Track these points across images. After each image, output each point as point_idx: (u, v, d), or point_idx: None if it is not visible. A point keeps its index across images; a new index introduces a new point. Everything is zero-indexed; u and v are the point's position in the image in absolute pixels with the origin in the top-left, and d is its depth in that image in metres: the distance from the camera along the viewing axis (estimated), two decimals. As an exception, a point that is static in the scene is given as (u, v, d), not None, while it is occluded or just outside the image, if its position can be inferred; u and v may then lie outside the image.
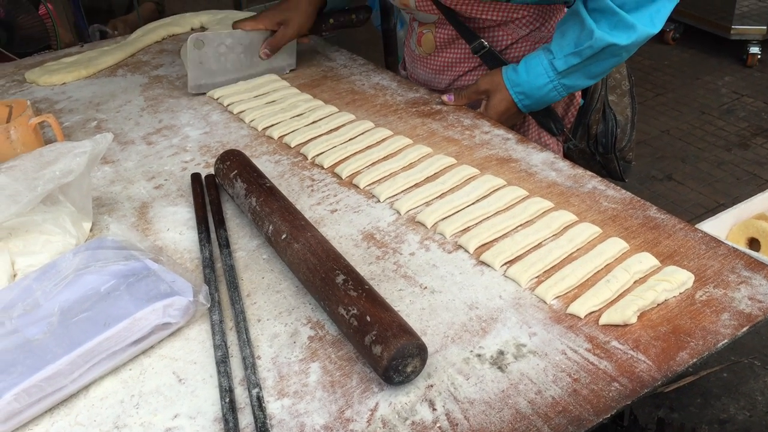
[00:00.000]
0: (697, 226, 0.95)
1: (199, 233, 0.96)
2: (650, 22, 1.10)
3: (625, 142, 1.41)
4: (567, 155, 1.42)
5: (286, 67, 1.49)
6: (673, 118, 3.35)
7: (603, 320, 0.77)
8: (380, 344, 0.69)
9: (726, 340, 0.74)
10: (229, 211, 1.02)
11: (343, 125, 1.23)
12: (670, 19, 3.91)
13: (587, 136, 1.40)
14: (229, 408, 0.70)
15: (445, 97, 1.28)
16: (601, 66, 1.17)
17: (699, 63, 3.85)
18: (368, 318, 0.72)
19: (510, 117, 1.26)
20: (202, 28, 1.77)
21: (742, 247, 1.67)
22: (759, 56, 3.70)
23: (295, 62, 1.50)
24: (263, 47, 1.43)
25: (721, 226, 1.73)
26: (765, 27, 3.63)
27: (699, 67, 3.81)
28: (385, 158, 1.11)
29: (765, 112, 3.34)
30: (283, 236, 0.87)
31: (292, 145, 1.19)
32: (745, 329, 0.75)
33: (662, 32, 3.92)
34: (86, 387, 0.74)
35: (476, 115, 1.24)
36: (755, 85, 3.58)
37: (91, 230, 0.99)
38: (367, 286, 0.76)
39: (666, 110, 3.43)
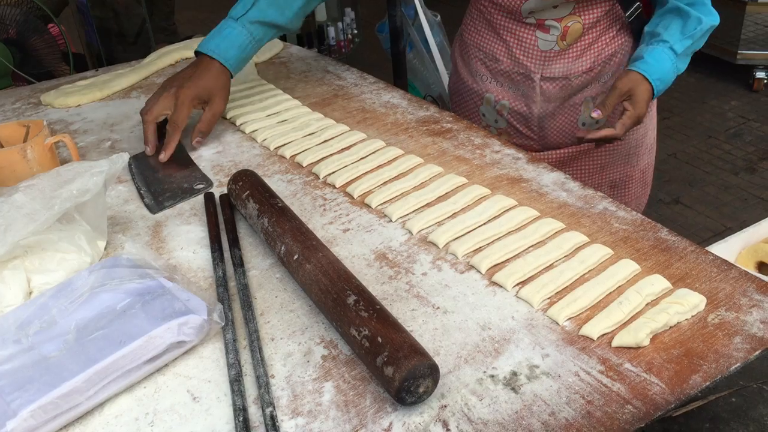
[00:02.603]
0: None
1: (212, 252, 0.96)
2: (712, 12, 1.33)
3: None
4: None
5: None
6: (680, 142, 3.36)
7: (616, 342, 0.77)
8: (392, 365, 0.69)
9: (738, 364, 0.74)
10: (243, 230, 1.03)
11: (355, 144, 1.24)
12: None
13: None
14: (243, 427, 0.70)
15: (594, 114, 1.29)
16: (698, 46, 1.35)
17: (705, 87, 3.87)
18: (379, 339, 0.72)
19: None
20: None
21: (753, 271, 1.67)
22: (765, 81, 3.72)
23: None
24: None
25: (729, 250, 1.72)
26: (771, 52, 3.65)
27: (705, 91, 3.83)
28: (396, 177, 1.12)
29: (772, 137, 3.35)
30: (295, 257, 0.87)
31: (304, 164, 1.20)
32: (757, 353, 0.75)
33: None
34: (101, 404, 0.75)
35: (486, 135, 1.24)
36: (761, 110, 3.59)
37: (105, 249, 1.00)
38: (378, 307, 0.77)
39: (673, 134, 3.44)
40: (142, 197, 1.14)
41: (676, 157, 3.24)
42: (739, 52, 3.71)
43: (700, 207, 2.89)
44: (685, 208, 2.89)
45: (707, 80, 3.93)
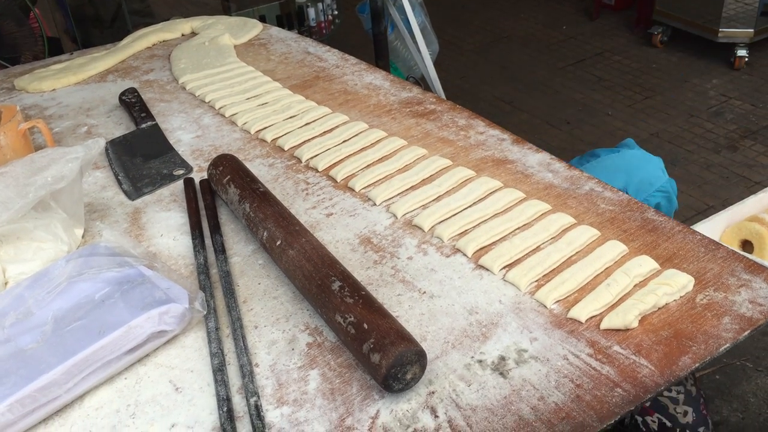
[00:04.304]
0: (693, 228, 0.95)
1: (193, 239, 0.94)
2: None
3: None
4: None
5: None
6: (662, 121, 3.36)
7: (604, 325, 0.76)
8: (378, 352, 0.68)
9: (728, 344, 0.73)
10: (224, 216, 1.01)
11: (337, 127, 1.22)
12: (658, 23, 3.91)
13: None
14: (227, 417, 0.69)
15: None
16: None
17: (687, 66, 3.86)
18: (365, 325, 0.71)
19: None
20: (193, 34, 1.76)
21: (739, 249, 1.67)
22: (746, 59, 3.72)
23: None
24: None
25: (713, 228, 1.72)
26: (752, 30, 3.64)
27: (687, 69, 3.82)
28: (380, 160, 1.11)
29: (753, 115, 3.35)
30: (278, 243, 0.86)
31: (286, 148, 1.18)
32: (746, 333, 0.74)
33: (650, 35, 3.93)
34: (81, 397, 0.73)
35: (471, 115, 1.23)
36: (743, 88, 3.60)
37: (83, 237, 0.98)
38: (363, 292, 0.75)
39: (655, 113, 3.43)
40: (120, 183, 1.12)
41: (657, 137, 3.25)
42: (720, 30, 3.70)
43: (683, 185, 2.89)
44: (667, 187, 2.90)
45: (689, 59, 3.92)
